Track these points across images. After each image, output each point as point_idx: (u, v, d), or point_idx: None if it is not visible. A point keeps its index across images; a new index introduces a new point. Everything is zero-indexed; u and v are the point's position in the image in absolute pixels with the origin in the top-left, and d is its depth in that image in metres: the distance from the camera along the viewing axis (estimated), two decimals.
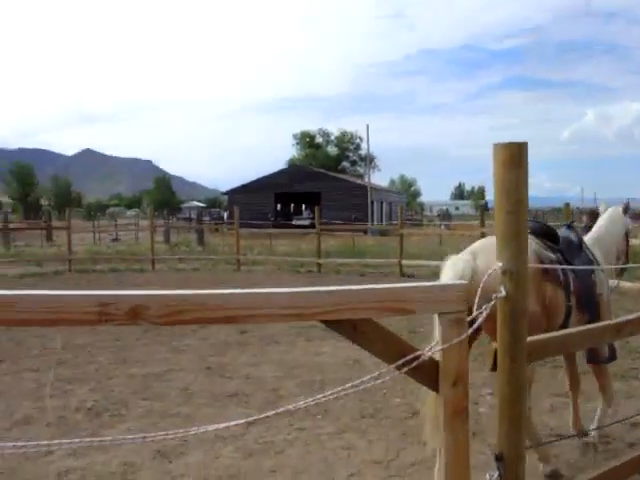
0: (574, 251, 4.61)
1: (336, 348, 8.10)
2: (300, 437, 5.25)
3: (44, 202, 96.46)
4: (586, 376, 5.32)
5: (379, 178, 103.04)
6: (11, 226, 32.10)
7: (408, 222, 37.38)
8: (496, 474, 2.53)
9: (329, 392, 2.26)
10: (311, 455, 4.89)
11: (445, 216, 52.64)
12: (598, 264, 4.71)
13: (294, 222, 51.22)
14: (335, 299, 2.17)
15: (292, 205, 66.07)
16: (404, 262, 17.57)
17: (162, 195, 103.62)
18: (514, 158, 2.41)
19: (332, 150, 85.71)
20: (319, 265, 19.20)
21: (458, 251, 4.43)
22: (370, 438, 5.21)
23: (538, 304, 4.03)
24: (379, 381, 2.24)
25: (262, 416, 2.33)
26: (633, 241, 7.86)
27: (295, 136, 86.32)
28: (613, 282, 5.46)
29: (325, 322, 2.20)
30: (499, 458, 2.54)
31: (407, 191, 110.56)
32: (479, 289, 2.50)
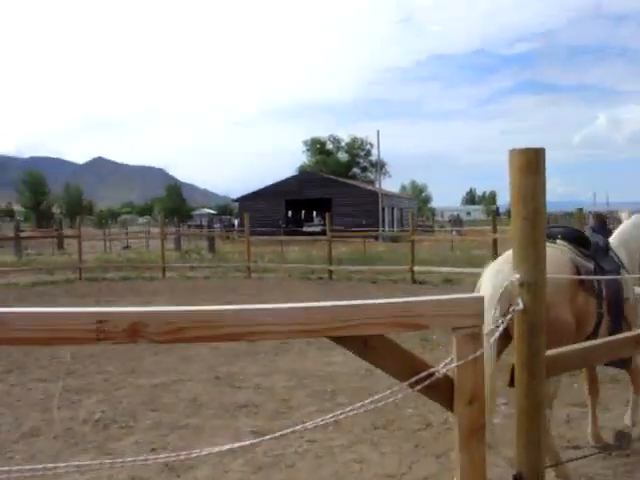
0: (602, 254, 4.56)
1: (348, 357, 7.98)
2: (311, 449, 5.13)
3: (56, 210, 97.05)
4: (604, 385, 5.20)
5: (390, 184, 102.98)
6: (22, 235, 32.22)
7: (419, 228, 37.23)
8: None
9: (347, 409, 2.15)
10: (322, 469, 4.77)
11: (456, 222, 52.33)
12: (623, 267, 4.65)
13: (305, 229, 51.13)
14: (344, 315, 2.06)
15: (303, 212, 66.02)
16: (415, 269, 17.42)
17: (173, 202, 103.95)
18: (531, 164, 2.31)
19: (343, 156, 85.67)
20: (330, 272, 19.08)
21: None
22: (382, 450, 5.09)
23: (571, 314, 3.99)
24: (391, 399, 2.14)
25: (273, 435, 2.23)
26: None
27: (305, 143, 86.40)
28: (637, 289, 5.38)
29: (334, 338, 2.10)
30: (518, 478, 2.43)
31: (418, 197, 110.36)
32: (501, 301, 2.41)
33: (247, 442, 2.11)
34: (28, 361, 8.29)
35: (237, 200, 61.67)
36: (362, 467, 4.78)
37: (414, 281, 17.19)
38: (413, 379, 2.14)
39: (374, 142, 67.78)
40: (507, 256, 3.96)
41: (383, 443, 5.25)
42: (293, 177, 60.63)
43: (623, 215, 5.43)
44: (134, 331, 1.82)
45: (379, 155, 65.20)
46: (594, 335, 4.12)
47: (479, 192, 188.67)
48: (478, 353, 2.20)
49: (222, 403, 6.40)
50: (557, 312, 3.85)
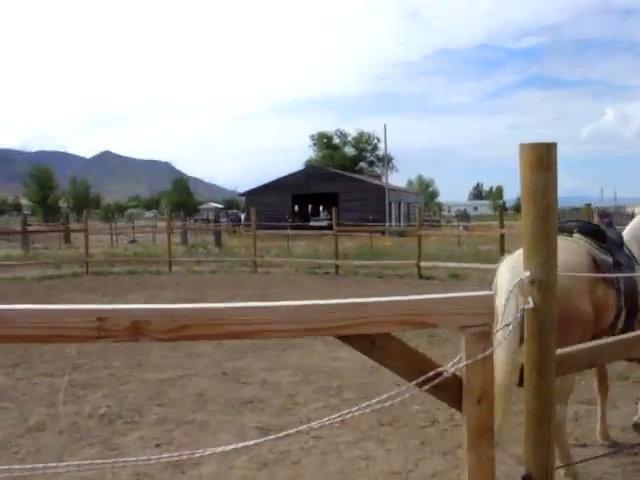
0: (616, 248, 4.56)
1: (354, 353, 7.88)
2: (317, 446, 5.10)
3: (63, 204, 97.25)
4: (612, 383, 5.15)
5: (397, 179, 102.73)
6: (29, 229, 32.31)
7: (426, 223, 37.13)
8: None
9: (353, 409, 2.12)
10: (328, 465, 4.74)
11: (463, 216, 52.16)
12: (637, 262, 4.66)
13: (311, 223, 51.07)
14: (351, 313, 2.02)
15: (309, 206, 65.92)
16: (422, 264, 17.35)
17: (180, 196, 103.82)
18: (542, 160, 2.25)
19: (349, 151, 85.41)
20: (337, 267, 19.02)
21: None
22: (388, 447, 5.06)
23: (591, 305, 4.02)
24: (398, 399, 2.10)
25: (278, 435, 2.19)
26: None
27: (312, 137, 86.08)
28: None
29: (340, 337, 2.05)
30: (527, 479, 2.39)
31: (425, 191, 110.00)
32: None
33: (251, 442, 2.08)
34: (33, 356, 8.28)
35: (244, 194, 61.62)
36: (368, 464, 4.75)
37: (421, 276, 17.12)
38: (421, 379, 2.10)
39: (381, 136, 67.59)
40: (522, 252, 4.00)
41: (389, 440, 5.21)
42: (300, 171, 60.49)
43: (636, 210, 5.41)
44: (136, 329, 1.78)
45: (386, 149, 65.00)
46: (613, 328, 4.17)
47: (486, 187, 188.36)
48: (487, 352, 2.15)
49: (228, 399, 6.37)
50: (576, 302, 3.91)
